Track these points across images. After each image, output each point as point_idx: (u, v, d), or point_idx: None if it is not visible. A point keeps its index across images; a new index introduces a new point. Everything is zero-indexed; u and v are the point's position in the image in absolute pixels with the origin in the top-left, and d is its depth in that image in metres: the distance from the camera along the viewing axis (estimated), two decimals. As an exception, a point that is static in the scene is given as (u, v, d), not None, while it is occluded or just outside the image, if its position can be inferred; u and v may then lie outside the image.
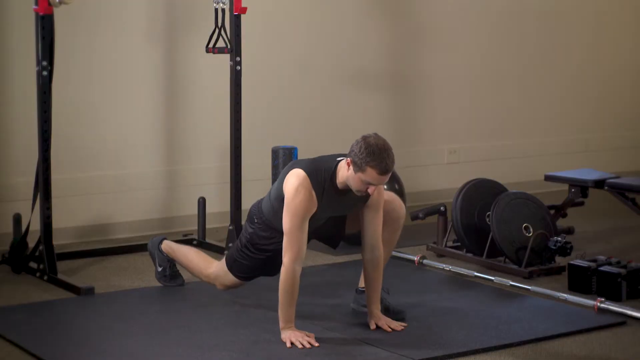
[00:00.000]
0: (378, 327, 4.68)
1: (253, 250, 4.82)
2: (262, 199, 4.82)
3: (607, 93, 8.68)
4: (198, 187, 6.61)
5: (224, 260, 4.98)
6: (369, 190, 4.44)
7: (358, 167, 4.40)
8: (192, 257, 5.14)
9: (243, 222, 5.93)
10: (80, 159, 6.32)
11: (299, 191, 4.46)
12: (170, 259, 5.28)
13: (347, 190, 4.54)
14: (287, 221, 4.47)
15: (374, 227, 4.65)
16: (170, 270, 5.31)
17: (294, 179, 4.48)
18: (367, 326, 4.70)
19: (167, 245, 5.28)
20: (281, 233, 4.54)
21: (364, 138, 4.42)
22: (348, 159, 4.45)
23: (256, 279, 4.97)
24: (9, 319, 4.81)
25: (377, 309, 4.71)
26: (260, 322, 4.75)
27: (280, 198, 4.56)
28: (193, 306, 5.02)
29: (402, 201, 4.86)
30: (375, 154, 4.37)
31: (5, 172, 6.12)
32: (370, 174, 4.38)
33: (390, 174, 4.43)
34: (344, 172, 4.49)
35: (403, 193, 6.27)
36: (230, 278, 4.95)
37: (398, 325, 4.68)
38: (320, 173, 4.51)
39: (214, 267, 5.03)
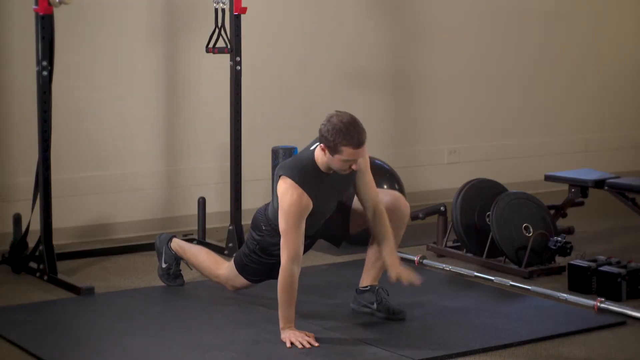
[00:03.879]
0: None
1: (262, 255, 4.84)
2: (267, 205, 4.85)
3: (607, 93, 8.67)
4: (198, 187, 6.60)
5: (232, 262, 4.99)
6: (353, 167, 4.52)
7: (333, 150, 4.47)
8: (203, 258, 5.15)
9: (243, 222, 5.98)
10: (80, 159, 6.32)
11: (289, 193, 4.50)
12: (177, 257, 5.29)
13: (333, 171, 4.61)
14: (282, 222, 4.50)
15: (368, 188, 4.72)
16: (175, 269, 5.32)
17: (282, 184, 4.54)
18: (367, 326, 4.71)
19: (177, 244, 5.28)
20: None
21: (329, 119, 4.49)
22: (321, 144, 4.51)
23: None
24: (9, 319, 4.81)
25: (394, 258, 4.70)
26: (260, 322, 4.75)
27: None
28: (193, 306, 5.02)
29: (406, 200, 4.90)
30: (344, 132, 4.44)
31: (5, 172, 6.12)
32: (347, 152, 4.46)
33: (365, 145, 4.48)
34: (323, 158, 4.55)
35: (403, 193, 6.26)
36: (241, 281, 4.98)
37: (417, 279, 4.67)
38: (304, 169, 4.56)
39: (224, 269, 5.05)
